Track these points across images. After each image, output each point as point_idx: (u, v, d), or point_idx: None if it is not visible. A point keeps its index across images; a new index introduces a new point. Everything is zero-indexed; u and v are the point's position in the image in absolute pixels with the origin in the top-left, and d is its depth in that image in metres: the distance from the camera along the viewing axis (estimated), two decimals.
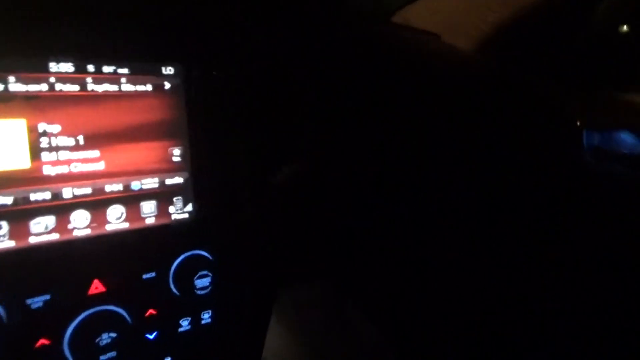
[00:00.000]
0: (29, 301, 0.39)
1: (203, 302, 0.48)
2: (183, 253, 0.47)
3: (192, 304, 0.47)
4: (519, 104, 0.84)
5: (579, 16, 0.94)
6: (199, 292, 0.47)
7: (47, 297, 0.40)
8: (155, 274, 0.45)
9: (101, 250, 0.43)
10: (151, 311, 0.45)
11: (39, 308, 0.40)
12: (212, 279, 0.48)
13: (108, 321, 0.42)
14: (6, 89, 0.40)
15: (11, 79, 0.40)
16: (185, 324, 0.48)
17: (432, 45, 0.89)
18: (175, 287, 0.46)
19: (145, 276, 0.45)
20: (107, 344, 0.42)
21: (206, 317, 0.49)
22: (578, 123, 0.84)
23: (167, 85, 0.47)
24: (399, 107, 0.67)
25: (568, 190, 0.80)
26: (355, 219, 0.70)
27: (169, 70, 0.48)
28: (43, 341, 0.40)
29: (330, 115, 0.58)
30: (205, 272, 0.47)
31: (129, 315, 0.44)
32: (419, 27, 0.93)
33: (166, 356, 0.47)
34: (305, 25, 0.66)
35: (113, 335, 0.42)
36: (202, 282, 0.47)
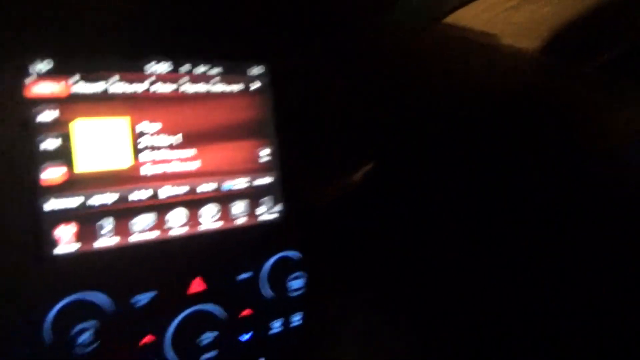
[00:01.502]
0: (136, 297, 0.39)
1: (295, 304, 0.47)
2: (275, 253, 0.46)
3: (285, 305, 0.47)
4: (576, 108, 0.82)
5: None
6: (292, 293, 0.46)
7: (153, 293, 0.40)
8: (251, 274, 0.45)
9: (198, 249, 0.43)
10: (246, 312, 0.45)
11: (145, 305, 0.39)
12: (306, 280, 0.47)
13: (207, 320, 0.42)
14: (108, 88, 0.41)
15: (113, 78, 0.41)
16: (277, 325, 0.47)
17: (493, 45, 0.87)
18: (269, 287, 0.45)
19: (240, 276, 0.44)
20: (208, 344, 0.41)
21: (297, 319, 0.48)
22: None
23: (256, 85, 0.48)
24: (462, 108, 0.66)
25: (610, 201, 0.77)
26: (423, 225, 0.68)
27: (257, 70, 0.48)
28: (148, 339, 0.39)
29: (401, 114, 0.57)
30: (299, 274, 0.47)
31: (226, 315, 0.43)
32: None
33: (259, 357, 0.46)
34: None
35: (213, 334, 0.41)
36: (296, 284, 0.46)
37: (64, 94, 0.39)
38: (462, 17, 0.92)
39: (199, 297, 0.42)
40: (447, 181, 0.64)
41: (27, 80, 0.38)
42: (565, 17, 0.84)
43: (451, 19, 0.92)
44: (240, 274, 0.44)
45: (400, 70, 0.59)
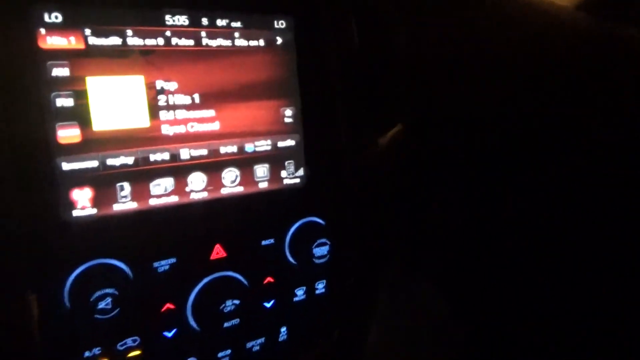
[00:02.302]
0: (156, 264, 0.38)
1: (319, 271, 0.46)
2: (298, 220, 0.45)
3: (308, 273, 0.45)
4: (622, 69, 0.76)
5: None
6: (316, 260, 0.45)
7: (174, 260, 0.39)
8: (274, 240, 0.43)
9: (219, 215, 0.41)
10: (269, 279, 0.43)
11: (165, 271, 0.38)
12: (330, 247, 0.45)
13: (229, 287, 0.41)
14: (124, 43, 0.38)
15: (129, 32, 0.38)
16: (300, 293, 0.45)
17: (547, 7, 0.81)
18: (292, 255, 0.44)
19: (263, 242, 0.43)
20: (230, 311, 0.40)
21: (320, 287, 0.46)
22: None
23: (279, 41, 0.44)
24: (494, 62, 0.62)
25: None
26: (445, 193, 0.65)
27: (281, 24, 0.44)
28: (169, 305, 0.39)
29: (434, 79, 0.54)
30: (323, 240, 0.45)
31: (248, 283, 0.42)
32: None
33: (282, 325, 0.45)
34: None
35: (236, 302, 0.40)
36: (321, 251, 0.45)
37: (79, 47, 0.37)
38: None
39: (220, 264, 0.41)
40: (479, 151, 0.60)
41: (42, 31, 0.35)
42: None
43: None
44: (262, 240, 0.43)
45: (439, 33, 0.55)
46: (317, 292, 0.46)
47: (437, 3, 0.60)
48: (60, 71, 0.36)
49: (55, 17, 0.36)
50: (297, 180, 0.46)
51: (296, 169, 0.46)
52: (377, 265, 0.52)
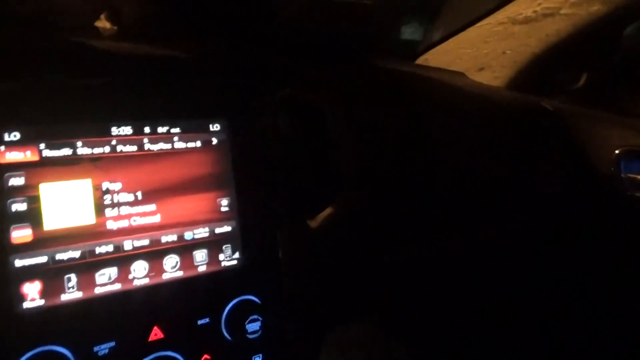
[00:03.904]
0: (96, 348, 0.42)
1: (254, 346, 0.49)
2: (234, 298, 0.49)
3: (244, 349, 0.49)
4: (553, 132, 0.85)
5: (611, 41, 0.95)
6: (250, 336, 0.49)
7: (113, 344, 0.43)
8: (209, 319, 0.48)
9: (159, 298, 0.46)
10: (206, 356, 0.47)
11: (105, 355, 0.42)
12: (262, 322, 0.49)
13: None
14: (74, 152, 0.45)
15: (79, 143, 0.45)
16: None
17: (461, 81, 0.91)
18: (228, 331, 0.48)
19: (199, 322, 0.47)
20: None
21: None
22: (616, 151, 0.84)
23: (215, 141, 0.51)
24: (429, 140, 0.69)
25: (606, 217, 0.78)
26: (399, 257, 0.71)
27: (215, 127, 0.51)
28: None
29: (365, 154, 0.61)
30: (255, 317, 0.49)
31: None
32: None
33: None
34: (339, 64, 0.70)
35: None
36: (253, 326, 0.49)
37: (34, 160, 0.43)
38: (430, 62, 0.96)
39: (159, 344, 0.45)
40: (409, 227, 0.66)
41: (2, 148, 0.42)
42: (529, 53, 0.88)
43: (421, 60, 0.96)
44: (199, 319, 0.47)
45: (363, 115, 0.63)
46: None
47: (372, 94, 0.68)
48: (16, 181, 0.42)
49: (14, 136, 0.43)
50: (235, 262, 0.51)
51: (233, 252, 0.51)
52: (316, 337, 0.56)
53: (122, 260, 0.46)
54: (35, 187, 0.43)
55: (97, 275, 0.45)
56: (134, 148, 0.47)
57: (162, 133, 0.49)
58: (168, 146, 0.49)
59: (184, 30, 0.62)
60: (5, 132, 0.42)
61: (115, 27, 0.65)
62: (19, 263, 0.42)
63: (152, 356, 0.44)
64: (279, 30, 0.68)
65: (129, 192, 0.47)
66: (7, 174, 0.42)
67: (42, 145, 0.44)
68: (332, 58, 0.72)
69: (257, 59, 0.61)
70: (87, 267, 0.44)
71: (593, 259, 0.81)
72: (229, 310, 0.49)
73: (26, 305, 0.41)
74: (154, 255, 0.47)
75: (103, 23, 0.66)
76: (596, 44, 0.89)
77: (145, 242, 0.47)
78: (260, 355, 0.50)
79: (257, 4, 0.63)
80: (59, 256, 0.43)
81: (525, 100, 0.88)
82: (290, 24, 0.68)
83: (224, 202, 0.51)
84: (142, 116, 0.48)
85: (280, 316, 0.51)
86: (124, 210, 0.46)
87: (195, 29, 0.63)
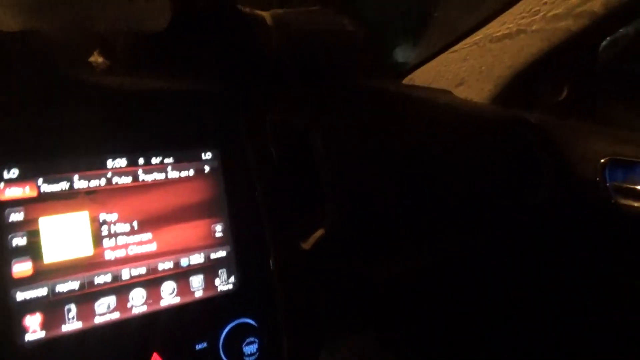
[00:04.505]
0: None
1: None
2: (230, 322, 0.50)
3: None
4: (537, 144, 0.87)
5: (586, 56, 0.98)
6: (247, 358, 0.50)
7: None
8: (207, 343, 0.49)
9: (158, 325, 0.47)
10: None
11: None
12: (259, 344, 0.51)
13: None
14: (72, 186, 0.46)
15: (75, 177, 0.47)
16: None
17: (446, 98, 0.94)
18: (225, 355, 0.49)
19: (197, 346, 0.48)
20: None
21: None
22: (601, 161, 0.86)
23: (207, 169, 0.53)
24: (417, 157, 0.71)
25: (591, 227, 0.81)
26: (389, 272, 0.72)
27: (208, 155, 0.53)
28: None
29: (349, 174, 0.62)
30: (252, 339, 0.50)
31: None
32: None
33: None
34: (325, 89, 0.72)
35: None
36: (250, 349, 0.50)
37: (32, 195, 0.45)
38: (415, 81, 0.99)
39: None
40: (404, 243, 0.68)
41: (1, 185, 0.43)
42: (511, 68, 0.91)
43: (407, 79, 0.99)
44: (197, 344, 0.48)
45: (345, 135, 0.65)
46: None
47: (356, 113, 0.71)
48: (16, 216, 0.44)
49: (13, 173, 0.44)
50: (230, 286, 0.52)
51: (228, 276, 0.52)
52: (313, 355, 0.58)
53: (121, 289, 0.47)
54: (35, 222, 0.44)
55: (96, 305, 0.46)
56: (129, 179, 0.49)
57: (156, 164, 0.51)
58: (162, 176, 0.51)
59: (173, 63, 0.64)
60: (4, 170, 0.44)
61: (108, 62, 0.67)
62: (20, 296, 0.43)
63: None
64: (265, 61, 0.70)
65: (125, 222, 0.48)
66: (7, 210, 0.43)
67: (40, 181, 0.45)
68: (318, 81, 0.75)
69: (245, 87, 0.63)
70: (87, 297, 0.45)
71: (581, 265, 0.83)
72: (226, 334, 0.50)
73: (28, 337, 0.43)
74: (151, 282, 0.49)
75: (96, 58, 0.69)
76: (573, 57, 0.93)
77: (143, 270, 0.48)
78: None
79: (243, 38, 0.65)
80: (59, 288, 0.44)
81: (509, 114, 0.91)
82: (276, 54, 0.71)
83: (218, 227, 0.53)
84: (136, 148, 0.50)
85: (276, 337, 0.53)
86: (121, 240, 0.48)
87: (183, 63, 0.65)
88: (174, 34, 0.57)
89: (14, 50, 0.55)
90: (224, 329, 0.50)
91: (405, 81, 1.02)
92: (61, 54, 0.59)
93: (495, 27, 0.86)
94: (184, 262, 0.50)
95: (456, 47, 0.95)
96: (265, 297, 0.53)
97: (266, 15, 0.70)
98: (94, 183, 0.47)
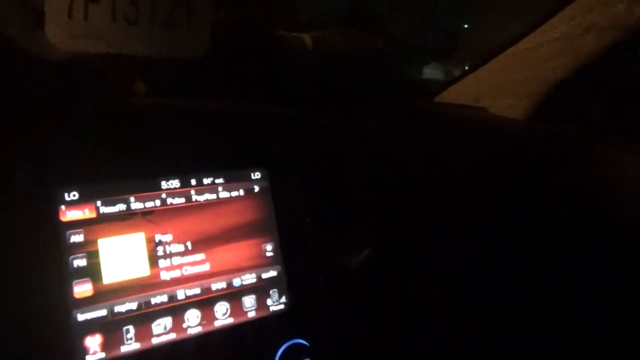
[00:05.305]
0: None
1: None
2: (284, 343, 0.50)
3: None
4: (573, 160, 0.86)
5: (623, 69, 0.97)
6: None
7: None
8: None
9: (212, 346, 0.47)
10: None
11: None
12: None
13: None
14: (128, 207, 0.47)
15: (132, 199, 0.47)
16: None
17: (481, 115, 0.94)
18: None
19: None
20: None
21: None
22: None
23: (257, 189, 0.53)
24: (453, 175, 0.71)
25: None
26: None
27: (257, 175, 0.54)
28: None
29: (392, 195, 0.62)
30: None
31: None
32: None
33: None
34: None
35: None
36: None
37: (92, 217, 0.46)
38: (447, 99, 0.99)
39: None
40: (446, 262, 0.67)
41: (62, 207, 0.44)
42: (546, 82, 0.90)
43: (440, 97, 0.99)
44: None
45: (394, 157, 0.65)
46: None
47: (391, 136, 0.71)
48: (76, 238, 0.45)
49: (74, 195, 0.45)
50: (282, 307, 0.52)
51: (280, 296, 0.52)
52: None
53: (176, 309, 0.47)
54: (94, 243, 0.45)
55: (153, 325, 0.46)
56: (182, 200, 0.50)
57: (208, 184, 0.51)
58: (213, 196, 0.51)
59: (211, 88, 0.66)
60: (65, 192, 0.45)
61: (149, 88, 0.69)
62: (81, 317, 0.43)
63: None
64: (297, 83, 0.72)
65: (179, 243, 0.49)
66: (68, 232, 0.44)
67: (99, 203, 0.46)
68: (353, 104, 0.75)
69: (285, 108, 0.64)
70: (144, 318, 0.46)
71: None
72: (280, 355, 0.49)
73: (88, 358, 0.43)
74: (205, 303, 0.49)
75: (138, 84, 0.71)
76: (609, 70, 0.92)
77: (197, 290, 0.48)
78: None
79: (273, 61, 0.67)
80: (118, 308, 0.45)
81: (544, 130, 0.90)
82: (307, 76, 0.72)
83: (269, 247, 0.53)
84: (188, 169, 0.51)
85: (328, 358, 0.52)
86: (176, 260, 0.48)
87: (222, 86, 0.67)
88: (214, 61, 0.58)
89: (65, 78, 0.57)
90: (278, 350, 0.49)
91: (437, 99, 1.02)
92: (106, 82, 0.61)
93: (529, 41, 0.86)
94: (236, 282, 0.50)
95: (488, 65, 0.95)
96: (316, 317, 0.53)
97: (305, 37, 0.72)
98: (149, 204, 0.48)
